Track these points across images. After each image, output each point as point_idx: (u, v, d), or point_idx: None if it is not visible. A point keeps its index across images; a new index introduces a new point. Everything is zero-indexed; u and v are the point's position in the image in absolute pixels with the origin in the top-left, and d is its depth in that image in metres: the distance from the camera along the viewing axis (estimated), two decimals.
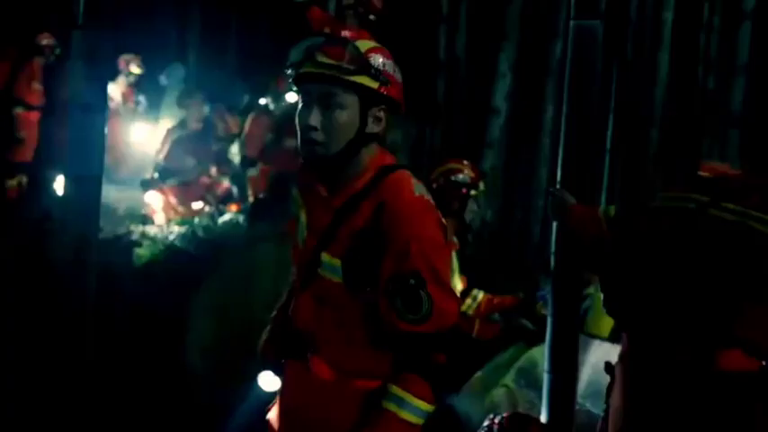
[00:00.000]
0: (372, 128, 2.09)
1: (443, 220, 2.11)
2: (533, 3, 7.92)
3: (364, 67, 2.05)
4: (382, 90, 2.07)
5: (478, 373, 4.09)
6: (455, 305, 2.07)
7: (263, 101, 7.23)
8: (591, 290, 4.12)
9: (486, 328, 3.78)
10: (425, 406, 2.02)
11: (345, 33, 2.13)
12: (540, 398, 3.25)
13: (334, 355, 2.18)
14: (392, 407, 2.01)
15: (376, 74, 2.06)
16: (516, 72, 7.87)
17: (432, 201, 2.09)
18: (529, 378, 3.97)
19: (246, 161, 7.09)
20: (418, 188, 2.09)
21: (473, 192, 3.82)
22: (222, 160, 7.39)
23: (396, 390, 2.02)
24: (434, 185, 3.81)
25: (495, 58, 7.76)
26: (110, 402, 4.06)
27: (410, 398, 2.01)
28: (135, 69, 8.21)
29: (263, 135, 7.05)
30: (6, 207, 6.99)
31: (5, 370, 4.58)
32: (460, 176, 3.79)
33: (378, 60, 2.08)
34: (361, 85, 2.05)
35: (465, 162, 3.88)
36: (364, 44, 2.09)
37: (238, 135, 7.51)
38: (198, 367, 4.82)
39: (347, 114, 2.05)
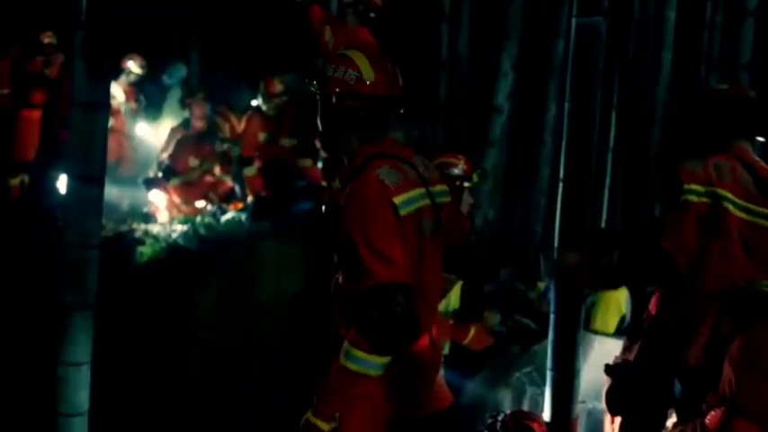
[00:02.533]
0: (335, 122, 2.44)
1: (399, 198, 2.32)
2: (535, 2, 7.91)
3: (317, 74, 2.45)
4: (321, 91, 2.44)
5: (484, 371, 4.09)
6: (383, 267, 2.23)
7: (254, 102, 7.23)
8: None
9: (481, 338, 3.77)
10: (362, 354, 2.25)
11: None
12: (543, 395, 3.25)
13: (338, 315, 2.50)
14: (340, 357, 2.29)
15: (319, 78, 2.44)
16: (518, 71, 7.85)
17: (389, 182, 2.33)
18: (532, 376, 3.97)
19: (243, 160, 7.09)
20: (382, 171, 2.35)
21: (466, 184, 3.82)
22: (227, 160, 7.39)
23: (344, 343, 2.29)
24: None
25: (498, 57, 7.75)
26: (112, 400, 4.06)
27: (349, 348, 2.27)
28: (135, 69, 8.19)
29: (258, 134, 7.07)
30: (9, 206, 6.98)
31: (5, 370, 4.58)
32: (454, 170, 3.80)
33: (325, 65, 2.45)
34: (314, 91, 2.46)
35: (459, 156, 3.89)
36: (338, 53, 2.50)
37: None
38: (200, 363, 4.82)
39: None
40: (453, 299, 3.92)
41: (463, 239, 2.78)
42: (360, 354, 2.26)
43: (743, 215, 2.91)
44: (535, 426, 3.04)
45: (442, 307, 3.88)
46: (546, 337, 3.26)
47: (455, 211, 2.74)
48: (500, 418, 3.04)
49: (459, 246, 2.73)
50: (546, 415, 3.16)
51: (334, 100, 2.41)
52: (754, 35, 7.61)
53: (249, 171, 6.95)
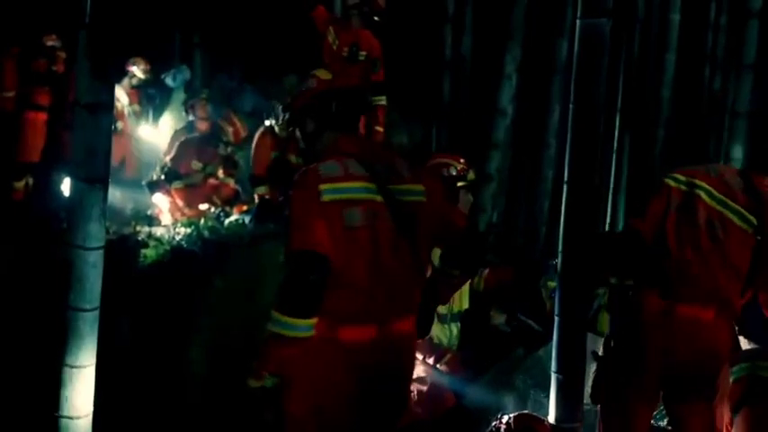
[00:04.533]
0: (312, 127, 2.80)
1: (325, 186, 2.54)
2: (539, 3, 7.90)
3: (288, 104, 2.93)
4: (295, 109, 2.89)
5: (488, 374, 4.09)
6: (302, 238, 2.51)
7: (267, 122, 7.21)
8: (601, 290, 4.12)
9: (454, 366, 3.78)
10: (278, 316, 2.47)
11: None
12: (547, 398, 3.24)
13: None
14: None
15: (290, 104, 2.93)
16: (522, 73, 7.85)
17: (323, 172, 2.58)
18: (536, 378, 3.97)
19: (254, 180, 7.05)
20: (324, 164, 2.63)
21: (460, 183, 3.82)
22: (230, 163, 7.37)
23: None
24: None
25: (501, 59, 7.74)
26: (115, 402, 4.06)
27: (272, 311, 2.49)
28: (138, 73, 8.17)
29: (269, 154, 7.03)
30: (13, 208, 6.98)
31: (10, 373, 4.58)
32: (450, 170, 3.81)
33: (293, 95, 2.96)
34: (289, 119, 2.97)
35: (455, 156, 3.90)
36: None
37: (247, 139, 7.47)
38: (203, 366, 4.82)
39: None
40: (463, 299, 3.92)
41: (457, 237, 2.87)
42: (276, 315, 2.48)
43: (714, 204, 3.11)
44: (540, 428, 3.03)
45: (456, 307, 3.90)
46: (550, 339, 3.25)
47: (442, 209, 2.80)
48: (504, 420, 3.03)
49: (456, 243, 2.85)
50: (550, 417, 3.15)
51: (307, 106, 2.80)
52: (759, 36, 7.60)
53: (260, 190, 6.92)
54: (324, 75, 2.86)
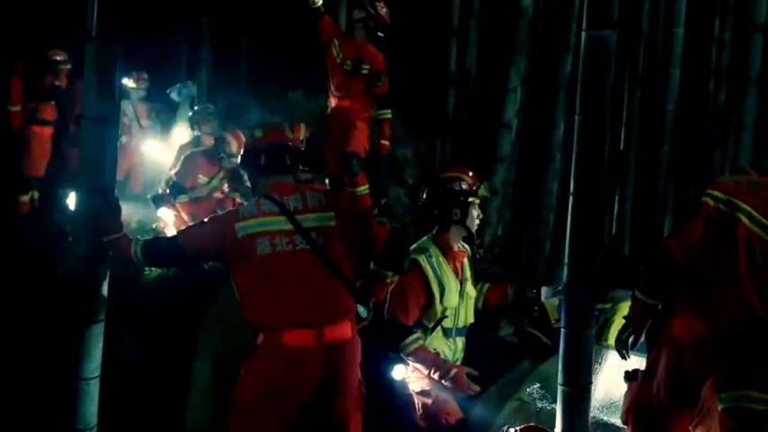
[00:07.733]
0: (252, 170, 3.42)
1: (239, 224, 3.17)
2: (544, 17, 7.92)
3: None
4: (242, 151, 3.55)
5: (493, 386, 4.06)
6: None
7: None
8: (607, 305, 4.10)
9: (461, 382, 3.75)
10: None
11: None
12: (554, 410, 3.23)
13: None
14: None
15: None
16: (527, 86, 7.85)
17: (241, 212, 3.22)
18: (543, 391, 3.95)
19: None
20: (245, 205, 3.28)
21: (471, 199, 3.80)
22: (235, 177, 7.38)
23: None
24: (438, 192, 3.81)
25: (506, 73, 7.75)
26: (119, 415, 4.06)
27: None
28: (130, 83, 8.12)
29: None
30: (19, 222, 7.00)
31: (18, 382, 4.58)
32: (462, 185, 3.78)
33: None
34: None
35: (465, 170, 3.86)
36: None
37: None
38: (209, 379, 4.81)
39: None
40: (469, 314, 3.90)
41: (381, 247, 3.29)
42: None
43: (754, 228, 2.83)
44: None
45: (462, 321, 3.88)
46: (557, 351, 3.23)
47: (357, 229, 3.29)
48: None
49: (381, 253, 3.30)
50: (557, 430, 3.13)
51: (242, 158, 3.45)
52: (763, 49, 7.61)
53: None
54: (258, 133, 3.45)
